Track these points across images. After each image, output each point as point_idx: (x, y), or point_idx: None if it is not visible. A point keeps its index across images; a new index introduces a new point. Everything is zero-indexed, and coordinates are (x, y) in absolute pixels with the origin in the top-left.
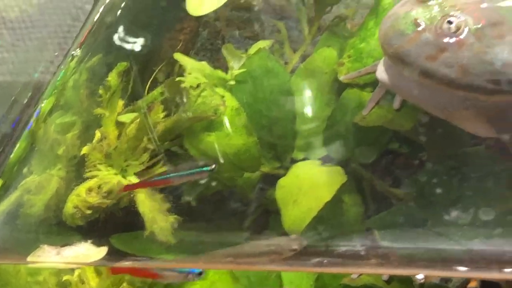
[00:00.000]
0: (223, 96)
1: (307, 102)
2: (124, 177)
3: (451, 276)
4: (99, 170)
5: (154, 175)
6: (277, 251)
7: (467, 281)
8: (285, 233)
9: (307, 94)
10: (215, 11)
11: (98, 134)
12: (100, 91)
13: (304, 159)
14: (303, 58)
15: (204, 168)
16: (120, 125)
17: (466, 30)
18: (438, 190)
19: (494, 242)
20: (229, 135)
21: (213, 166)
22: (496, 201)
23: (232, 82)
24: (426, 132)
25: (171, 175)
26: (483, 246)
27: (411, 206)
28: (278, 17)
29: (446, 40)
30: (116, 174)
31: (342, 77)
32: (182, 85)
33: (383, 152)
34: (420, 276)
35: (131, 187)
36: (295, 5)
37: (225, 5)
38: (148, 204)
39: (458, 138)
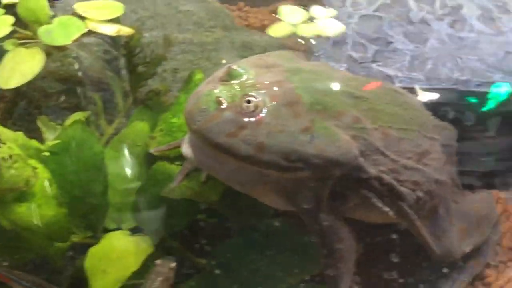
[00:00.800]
0: (35, 168)
1: (119, 173)
2: None
3: None
4: None
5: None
6: (166, 278)
7: None
8: None
9: (120, 165)
10: (33, 82)
11: None
12: None
13: (116, 229)
14: (118, 130)
15: None
16: None
17: (264, 109)
18: (233, 262)
19: None
20: (40, 206)
21: None
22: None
23: (46, 153)
24: (231, 205)
25: (14, 278)
26: None
27: (213, 276)
28: (97, 89)
29: (245, 118)
30: None
31: (152, 150)
32: None
33: (191, 223)
34: None
35: None
36: (111, 78)
37: (43, 76)
38: None
39: (261, 211)
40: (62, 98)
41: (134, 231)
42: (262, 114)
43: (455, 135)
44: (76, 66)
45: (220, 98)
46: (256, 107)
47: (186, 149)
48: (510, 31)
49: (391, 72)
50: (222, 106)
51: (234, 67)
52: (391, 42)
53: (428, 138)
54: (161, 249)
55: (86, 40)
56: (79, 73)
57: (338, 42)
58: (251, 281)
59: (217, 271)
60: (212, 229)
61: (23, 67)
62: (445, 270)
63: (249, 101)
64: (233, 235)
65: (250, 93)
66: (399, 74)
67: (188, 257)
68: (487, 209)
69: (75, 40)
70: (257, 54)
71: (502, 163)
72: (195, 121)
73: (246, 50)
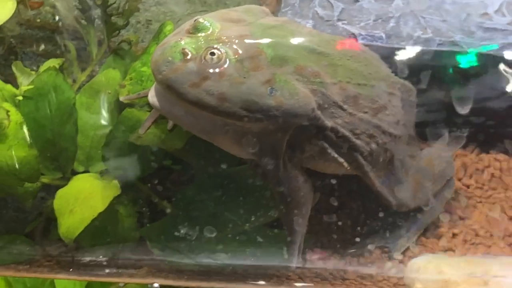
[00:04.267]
0: (8, 111)
1: (89, 119)
2: None
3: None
4: None
5: None
6: None
7: None
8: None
9: (90, 111)
10: (11, 29)
11: None
12: None
13: (85, 172)
14: (91, 77)
15: None
16: None
17: (227, 61)
18: (194, 206)
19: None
20: (11, 147)
21: None
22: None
23: (20, 97)
24: (195, 152)
25: None
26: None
27: (175, 218)
28: (72, 38)
29: (209, 69)
30: None
31: (122, 98)
32: None
33: (158, 168)
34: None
35: None
36: (86, 27)
37: (20, 23)
38: None
39: (223, 158)
40: (39, 45)
41: (103, 174)
42: (225, 66)
43: (414, 92)
44: (53, 15)
45: (185, 50)
46: (219, 59)
47: (152, 98)
48: None
49: (355, 30)
50: (187, 57)
51: (201, 20)
52: (358, 1)
53: (387, 93)
54: (128, 193)
55: None
56: (55, 22)
57: None
58: (209, 223)
59: (179, 214)
60: (177, 175)
61: None
62: (399, 221)
63: (213, 53)
64: (196, 180)
65: (214, 46)
66: (362, 32)
67: (154, 200)
68: (443, 163)
69: None
70: (230, 8)
71: (431, 115)
72: (160, 71)
73: (219, 4)
